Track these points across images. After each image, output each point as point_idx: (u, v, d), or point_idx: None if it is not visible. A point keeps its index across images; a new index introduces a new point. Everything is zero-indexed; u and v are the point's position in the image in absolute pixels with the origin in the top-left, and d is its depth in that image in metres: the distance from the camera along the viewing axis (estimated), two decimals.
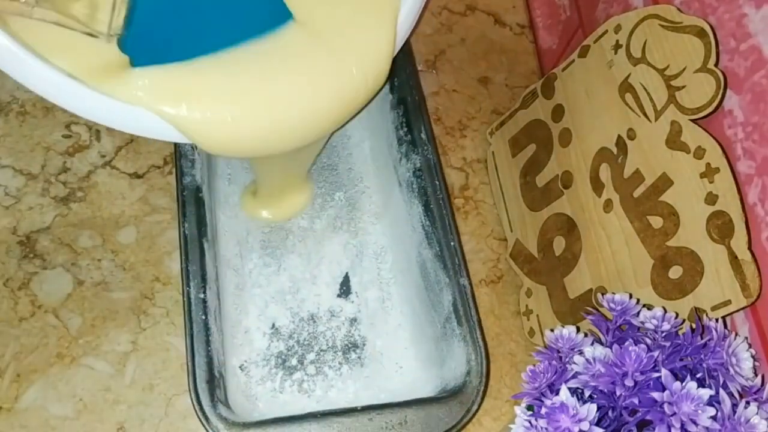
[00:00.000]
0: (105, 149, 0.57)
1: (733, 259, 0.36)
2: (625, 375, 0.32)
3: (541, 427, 0.32)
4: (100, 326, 0.51)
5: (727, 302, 0.36)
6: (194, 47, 0.39)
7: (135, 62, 0.38)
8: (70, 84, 0.36)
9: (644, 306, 0.37)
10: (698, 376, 0.33)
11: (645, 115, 0.42)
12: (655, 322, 0.36)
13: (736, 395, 0.33)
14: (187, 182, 0.51)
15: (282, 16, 0.41)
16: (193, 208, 0.51)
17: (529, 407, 0.34)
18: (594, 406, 0.31)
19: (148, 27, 0.38)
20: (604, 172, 0.46)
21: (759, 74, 0.36)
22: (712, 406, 0.30)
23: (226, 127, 0.39)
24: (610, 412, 0.33)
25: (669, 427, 0.30)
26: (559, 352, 0.37)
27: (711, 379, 0.33)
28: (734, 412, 0.31)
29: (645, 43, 0.42)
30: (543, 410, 0.32)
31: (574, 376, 0.33)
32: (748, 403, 0.32)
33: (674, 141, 0.40)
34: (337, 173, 0.61)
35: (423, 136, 0.55)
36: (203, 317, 0.47)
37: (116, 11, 0.37)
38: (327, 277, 0.56)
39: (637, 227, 0.43)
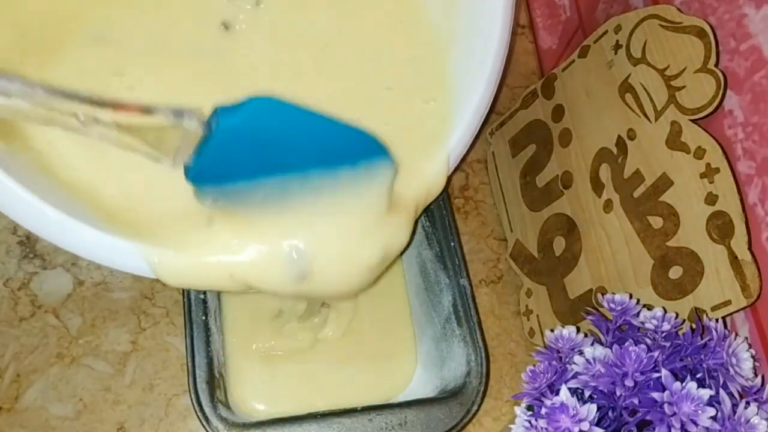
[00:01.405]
0: None
1: (733, 259, 0.36)
2: (625, 375, 0.32)
3: (541, 428, 0.32)
4: (100, 326, 0.51)
5: (727, 302, 0.36)
6: (260, 171, 0.36)
7: (198, 187, 0.35)
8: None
9: (644, 306, 0.38)
10: (698, 376, 0.33)
11: (645, 115, 0.42)
12: (655, 322, 0.36)
13: (736, 395, 0.33)
14: None
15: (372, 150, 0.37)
16: None
17: (529, 407, 0.34)
18: (594, 407, 0.31)
19: (220, 158, 0.34)
20: (604, 172, 0.46)
21: (759, 74, 0.36)
22: (712, 406, 0.30)
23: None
24: (610, 413, 0.33)
25: (669, 428, 0.30)
26: (559, 352, 0.37)
27: (711, 380, 0.33)
28: (734, 412, 0.31)
29: (645, 43, 0.42)
30: (543, 410, 0.32)
31: (574, 377, 0.33)
32: (748, 403, 0.32)
33: (674, 141, 0.40)
34: None
35: None
36: (203, 317, 0.47)
37: (188, 140, 0.33)
38: None
39: (637, 227, 0.43)
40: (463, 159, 0.60)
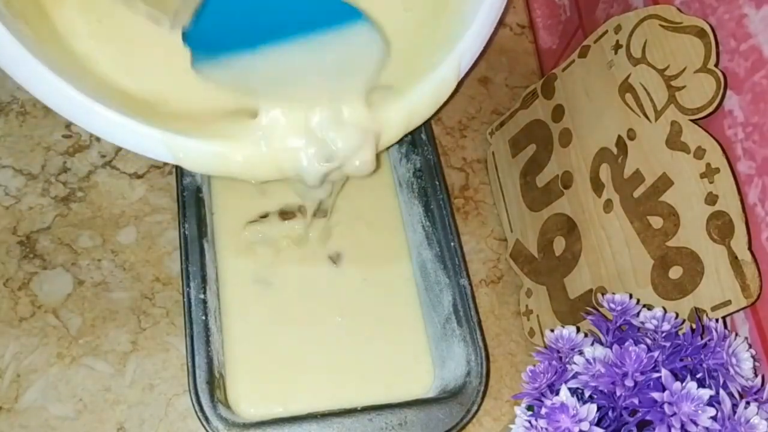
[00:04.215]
0: (105, 149, 0.57)
1: (733, 259, 0.36)
2: (625, 375, 0.32)
3: (541, 428, 0.32)
4: (100, 326, 0.51)
5: (727, 302, 0.36)
6: (255, 37, 0.38)
7: (195, 54, 0.38)
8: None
9: (644, 306, 0.38)
10: (698, 376, 0.33)
11: (645, 115, 0.42)
12: (655, 322, 0.36)
13: (736, 395, 0.33)
14: (187, 183, 0.51)
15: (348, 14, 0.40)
16: (193, 209, 0.51)
17: (529, 407, 0.34)
18: (594, 407, 0.31)
19: (215, 21, 0.38)
20: (604, 173, 0.46)
21: (759, 74, 0.36)
22: (712, 406, 0.30)
23: None
24: (610, 413, 0.33)
25: (669, 428, 0.30)
26: (559, 352, 0.37)
27: (711, 380, 0.33)
28: (734, 412, 0.31)
29: (645, 43, 0.42)
30: (543, 410, 0.32)
31: (574, 377, 0.33)
32: (748, 403, 0.32)
33: (674, 141, 0.40)
34: None
35: (423, 136, 0.55)
36: (203, 317, 0.47)
37: (187, 4, 0.37)
38: None
39: (637, 227, 0.43)
40: (464, 157, 0.60)
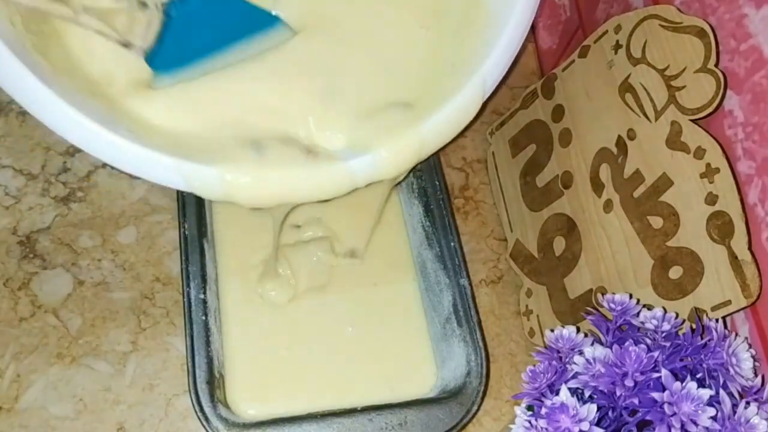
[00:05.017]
0: None
1: (733, 259, 0.36)
2: (625, 375, 0.32)
3: (541, 428, 0.32)
4: (100, 326, 0.51)
5: (727, 302, 0.36)
6: (204, 50, 0.44)
7: (156, 72, 0.42)
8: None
9: (644, 306, 0.37)
10: (698, 376, 0.33)
11: (645, 115, 0.42)
12: (655, 322, 0.36)
13: (736, 395, 0.33)
14: None
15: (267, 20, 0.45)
16: (193, 208, 0.51)
17: (529, 407, 0.34)
18: (594, 407, 0.31)
19: (175, 43, 0.42)
20: (604, 173, 0.46)
21: (759, 74, 0.36)
22: (712, 406, 0.30)
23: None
24: (610, 413, 0.33)
25: (669, 428, 0.30)
26: (559, 352, 0.37)
27: (711, 380, 0.33)
28: (734, 412, 0.31)
29: (645, 43, 0.42)
30: (543, 410, 0.32)
31: (574, 377, 0.33)
32: (748, 403, 0.32)
33: (674, 141, 0.40)
34: None
35: None
36: (203, 317, 0.47)
37: (150, 28, 0.42)
38: None
39: (637, 227, 0.43)
40: (464, 157, 0.60)
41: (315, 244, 0.54)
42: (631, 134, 0.44)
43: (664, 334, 0.35)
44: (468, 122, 0.42)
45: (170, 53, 0.43)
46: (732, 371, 0.33)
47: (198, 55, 0.43)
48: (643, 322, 0.36)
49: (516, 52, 0.43)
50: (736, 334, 0.36)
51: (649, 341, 0.35)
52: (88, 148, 0.37)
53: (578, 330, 0.37)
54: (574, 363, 0.34)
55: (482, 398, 0.47)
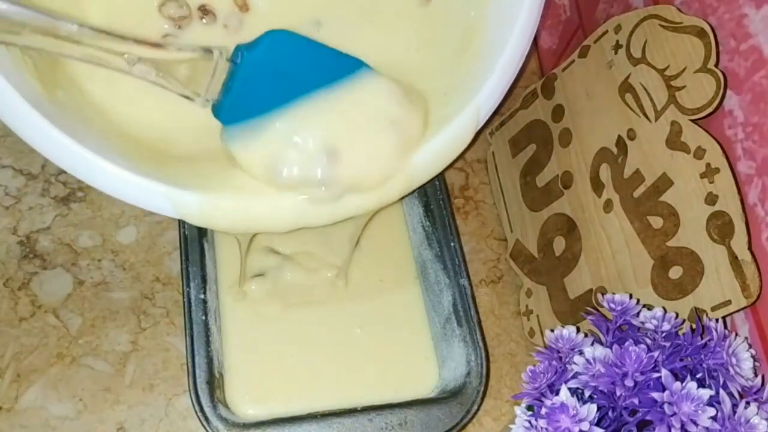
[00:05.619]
0: None
1: (733, 259, 0.36)
2: (625, 375, 0.32)
3: (541, 428, 0.32)
4: (100, 326, 0.51)
5: (727, 302, 0.36)
6: (277, 101, 0.40)
7: (225, 124, 0.39)
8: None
9: (644, 306, 0.37)
10: (698, 376, 0.33)
11: (645, 115, 0.42)
12: (655, 322, 0.36)
13: (736, 395, 0.33)
14: None
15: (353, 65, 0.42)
16: None
17: (529, 407, 0.34)
18: (594, 407, 0.31)
19: (244, 93, 0.38)
20: (604, 172, 0.46)
21: (759, 74, 0.36)
22: (712, 406, 0.30)
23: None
24: (610, 413, 0.33)
25: (669, 428, 0.30)
26: (559, 352, 0.37)
27: (711, 380, 0.33)
28: (734, 412, 0.31)
29: (645, 43, 0.42)
30: (543, 410, 0.32)
31: (574, 377, 0.33)
32: (748, 403, 0.32)
33: (674, 141, 0.40)
34: None
35: None
36: (203, 317, 0.47)
37: (216, 77, 0.37)
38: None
39: (637, 227, 0.43)
40: (464, 157, 0.60)
41: (292, 265, 0.54)
42: (631, 134, 0.44)
43: (664, 334, 0.35)
44: (460, 153, 0.42)
45: (239, 104, 0.39)
46: (732, 371, 0.33)
47: (269, 106, 0.40)
48: (643, 322, 0.36)
49: (512, 79, 0.42)
50: (736, 334, 0.36)
51: (649, 341, 0.35)
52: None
53: (578, 330, 0.37)
54: (574, 363, 0.34)
55: (482, 398, 0.47)
